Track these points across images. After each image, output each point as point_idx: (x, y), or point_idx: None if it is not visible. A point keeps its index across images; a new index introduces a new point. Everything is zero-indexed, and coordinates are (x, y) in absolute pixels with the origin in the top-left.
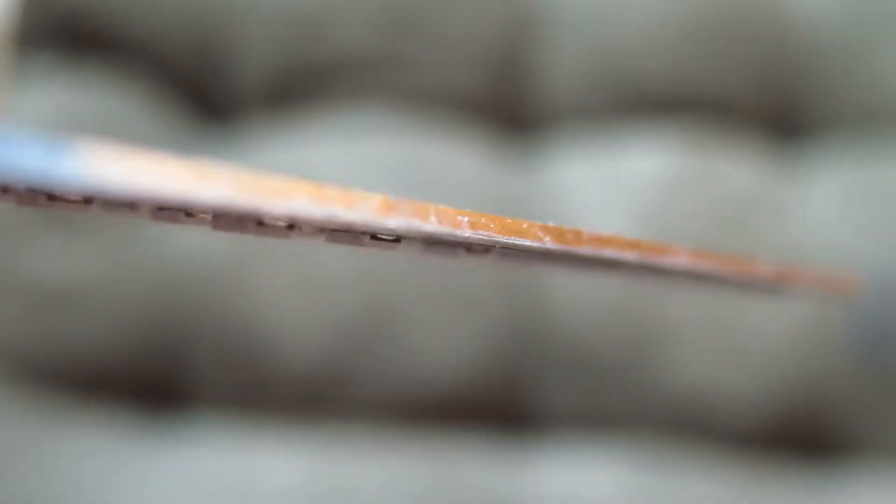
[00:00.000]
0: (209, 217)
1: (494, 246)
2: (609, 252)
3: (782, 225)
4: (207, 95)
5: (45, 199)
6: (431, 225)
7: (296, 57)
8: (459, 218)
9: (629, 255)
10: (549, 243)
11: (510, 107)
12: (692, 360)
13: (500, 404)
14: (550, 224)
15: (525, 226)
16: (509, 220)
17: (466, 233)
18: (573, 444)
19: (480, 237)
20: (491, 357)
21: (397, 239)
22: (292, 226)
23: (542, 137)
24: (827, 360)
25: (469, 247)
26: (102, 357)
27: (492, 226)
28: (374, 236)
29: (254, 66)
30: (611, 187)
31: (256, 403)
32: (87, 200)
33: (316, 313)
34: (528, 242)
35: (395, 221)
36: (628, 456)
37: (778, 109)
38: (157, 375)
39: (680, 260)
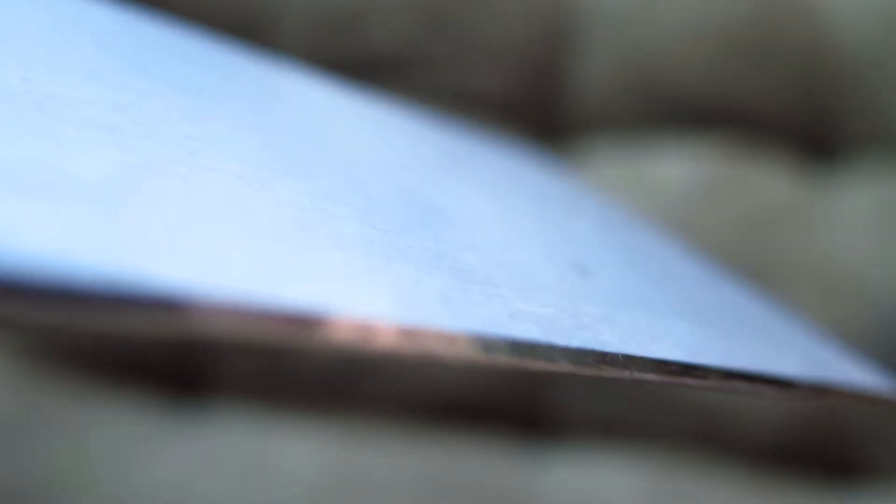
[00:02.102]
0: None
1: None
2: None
3: (811, 238)
4: None
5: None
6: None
7: (329, 55)
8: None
9: (652, 377)
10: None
11: (543, 111)
12: None
13: (519, 404)
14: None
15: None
16: None
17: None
18: (590, 449)
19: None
20: None
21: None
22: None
23: (573, 143)
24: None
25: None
26: (130, 339)
27: None
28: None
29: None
30: (641, 194)
31: (279, 391)
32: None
33: None
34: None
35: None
36: (644, 463)
37: (811, 123)
38: (182, 360)
39: (705, 383)
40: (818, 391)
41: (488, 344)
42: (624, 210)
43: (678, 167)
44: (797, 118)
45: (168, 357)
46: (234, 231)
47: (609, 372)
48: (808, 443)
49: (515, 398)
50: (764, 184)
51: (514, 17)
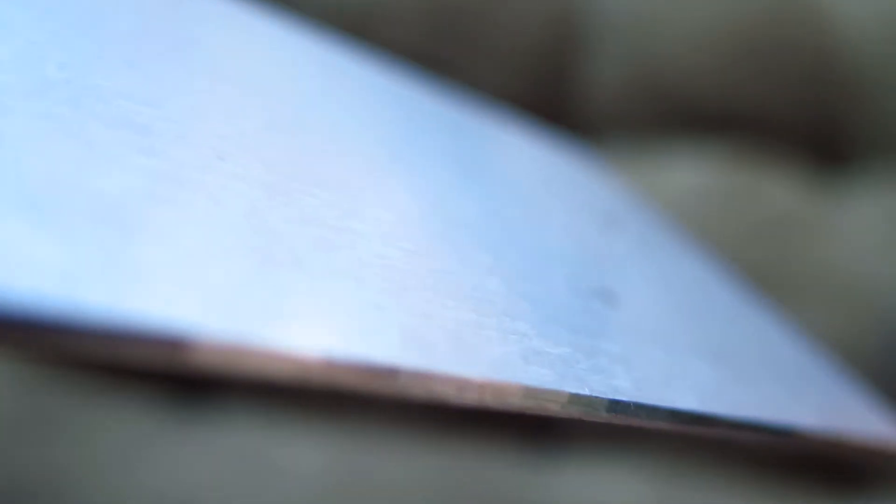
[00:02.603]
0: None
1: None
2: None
3: (821, 246)
4: None
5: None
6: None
7: None
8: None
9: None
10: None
11: (552, 115)
12: None
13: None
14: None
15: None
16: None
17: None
18: (596, 455)
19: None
20: None
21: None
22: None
23: (582, 147)
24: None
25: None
26: None
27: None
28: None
29: None
30: (651, 200)
31: (284, 392)
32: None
33: None
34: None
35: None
36: (652, 470)
37: (822, 131)
38: None
39: (713, 432)
40: (826, 443)
41: (499, 390)
42: (657, 216)
43: (687, 174)
44: (807, 126)
45: None
46: (251, 258)
47: (620, 420)
48: (811, 452)
49: None
50: (773, 191)
51: (526, 20)
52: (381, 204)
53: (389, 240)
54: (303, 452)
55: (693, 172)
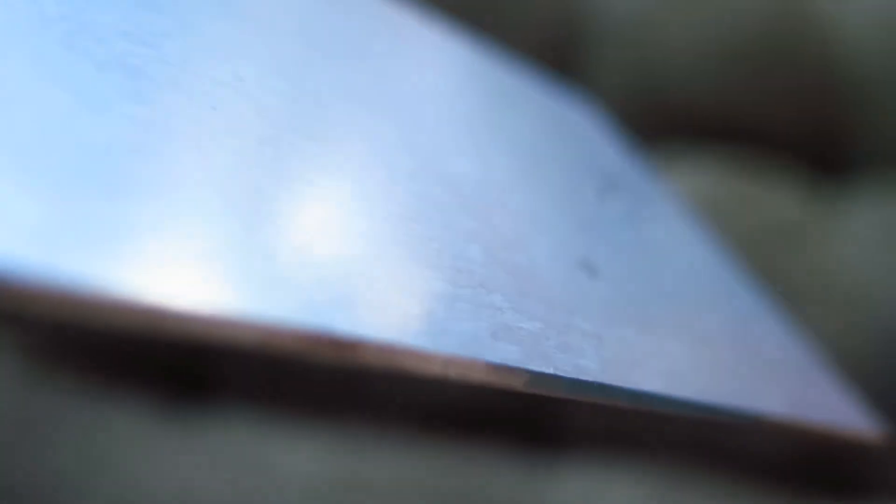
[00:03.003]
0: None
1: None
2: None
3: (819, 255)
4: None
5: None
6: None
7: None
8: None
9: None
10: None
11: None
12: None
13: (523, 415)
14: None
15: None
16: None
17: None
18: (594, 461)
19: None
20: None
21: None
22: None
23: None
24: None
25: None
26: (134, 340)
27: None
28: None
29: None
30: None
31: (281, 395)
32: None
33: None
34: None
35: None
36: (649, 477)
37: (820, 141)
38: (185, 362)
39: (676, 413)
40: (793, 431)
41: (463, 366)
42: (667, 194)
43: (686, 182)
44: (806, 135)
45: (170, 359)
46: (231, 227)
47: (582, 398)
48: (813, 459)
49: (520, 408)
50: (771, 200)
51: (525, 28)
52: (372, 163)
53: (376, 202)
54: (300, 456)
55: (692, 181)
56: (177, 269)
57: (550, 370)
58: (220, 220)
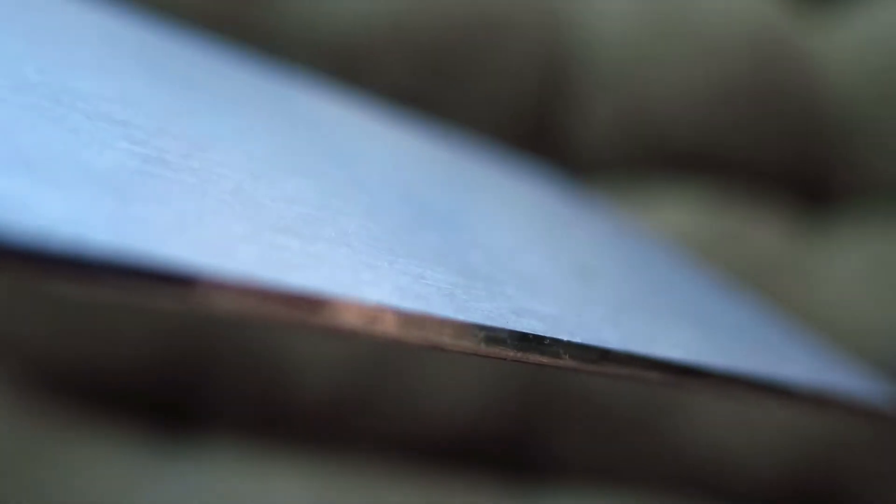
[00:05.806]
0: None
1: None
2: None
3: (805, 290)
4: None
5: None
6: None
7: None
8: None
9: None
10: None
11: (539, 156)
12: (707, 417)
13: (510, 445)
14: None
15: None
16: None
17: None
18: (581, 491)
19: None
20: (506, 399)
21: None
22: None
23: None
24: (842, 425)
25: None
26: (122, 372)
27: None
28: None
29: None
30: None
31: (269, 426)
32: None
33: (335, 342)
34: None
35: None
36: None
37: (806, 176)
38: (173, 393)
39: (706, 385)
40: (818, 401)
41: (492, 335)
42: (632, 228)
43: (672, 217)
44: (792, 170)
45: (158, 390)
46: (243, 222)
47: (611, 369)
48: (799, 489)
49: (507, 438)
50: (758, 234)
51: (514, 62)
52: (360, 192)
53: (372, 218)
54: (287, 488)
55: (678, 215)
56: (201, 248)
57: (578, 340)
58: (231, 220)
